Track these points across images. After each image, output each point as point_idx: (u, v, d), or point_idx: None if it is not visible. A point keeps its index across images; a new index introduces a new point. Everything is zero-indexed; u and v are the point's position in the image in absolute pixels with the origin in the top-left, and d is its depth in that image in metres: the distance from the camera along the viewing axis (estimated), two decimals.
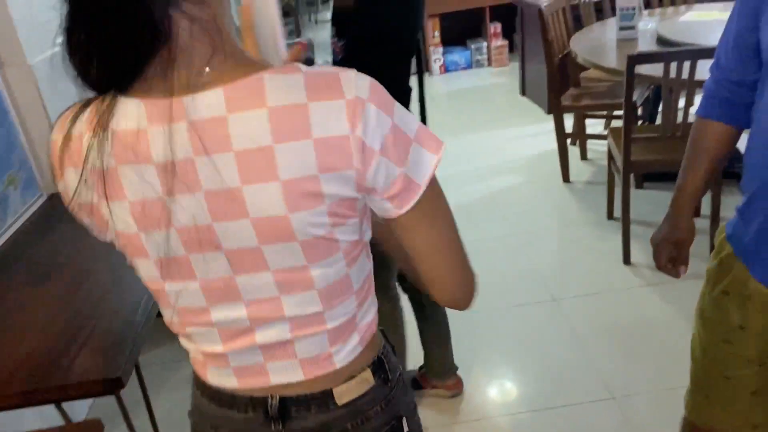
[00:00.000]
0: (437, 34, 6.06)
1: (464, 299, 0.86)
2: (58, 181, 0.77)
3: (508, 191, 3.68)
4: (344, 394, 0.87)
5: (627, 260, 2.86)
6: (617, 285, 2.74)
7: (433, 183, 0.76)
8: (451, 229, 0.83)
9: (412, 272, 0.85)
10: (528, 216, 3.39)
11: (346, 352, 0.86)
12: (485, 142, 4.41)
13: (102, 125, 0.69)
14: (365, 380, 0.88)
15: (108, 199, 0.73)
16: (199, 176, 0.69)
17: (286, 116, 0.66)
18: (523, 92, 5.15)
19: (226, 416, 0.89)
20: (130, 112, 0.69)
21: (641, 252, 2.88)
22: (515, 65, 5.49)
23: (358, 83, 0.68)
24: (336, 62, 1.86)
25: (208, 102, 0.67)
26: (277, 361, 0.84)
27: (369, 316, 0.89)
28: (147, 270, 0.79)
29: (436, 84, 6.01)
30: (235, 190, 0.68)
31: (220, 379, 0.87)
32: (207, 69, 0.68)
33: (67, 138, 0.73)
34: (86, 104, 0.72)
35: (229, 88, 0.67)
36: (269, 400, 0.86)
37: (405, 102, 1.90)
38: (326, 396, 0.86)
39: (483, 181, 3.84)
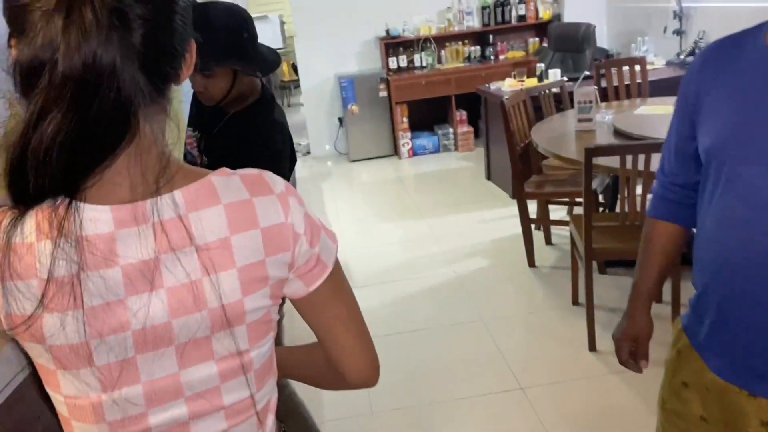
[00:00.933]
0: (405, 119, 6.25)
1: (373, 376, 0.92)
2: None
3: (474, 275, 3.71)
4: None
5: (592, 347, 2.88)
6: (583, 372, 2.74)
7: (337, 264, 0.87)
8: (355, 306, 0.91)
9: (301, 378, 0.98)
10: (494, 300, 3.41)
11: None
12: (452, 224, 4.48)
13: (66, 233, 0.68)
14: None
15: (62, 310, 0.70)
16: (162, 274, 0.72)
17: (238, 211, 0.75)
18: (489, 177, 5.28)
19: None
20: (98, 218, 0.70)
21: (606, 338, 2.90)
22: (481, 150, 5.66)
23: (276, 181, 0.80)
24: (189, 161, 1.74)
25: (168, 203, 0.72)
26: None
27: (275, 395, 0.91)
28: (81, 383, 0.74)
29: (405, 166, 6.15)
30: (197, 282, 0.73)
31: None
32: (165, 174, 0.73)
33: (6, 248, 0.68)
34: (19, 213, 0.69)
35: (185, 190, 0.74)
36: None
37: None
38: None
39: (450, 264, 3.87)
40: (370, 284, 3.74)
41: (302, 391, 2.73)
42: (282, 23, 11.36)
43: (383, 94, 6.19)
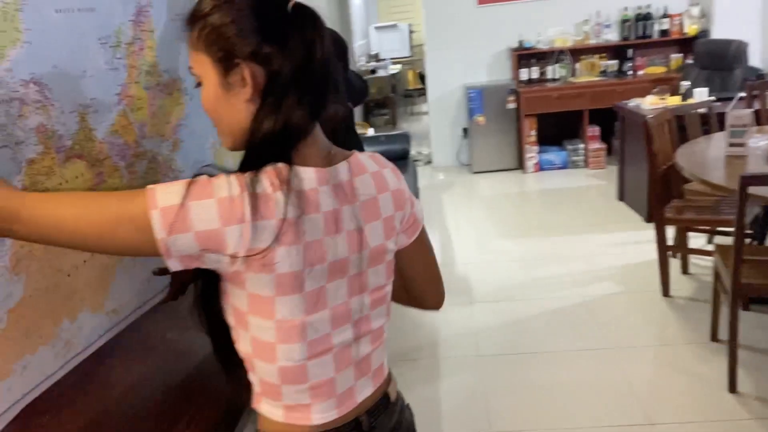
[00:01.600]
0: (534, 133, 6.11)
1: (442, 302, 1.21)
2: (236, 225, 0.85)
3: (602, 300, 3.55)
4: (392, 392, 1.12)
5: (733, 388, 2.66)
6: (722, 415, 2.54)
7: (423, 223, 1.12)
8: (434, 253, 1.18)
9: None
10: (623, 328, 3.25)
11: (386, 358, 1.11)
12: (578, 245, 4.32)
13: (291, 187, 0.88)
14: (394, 380, 1.15)
15: (289, 244, 0.88)
16: (343, 221, 0.95)
17: (377, 177, 1.01)
18: (621, 197, 5.05)
19: None
20: (307, 176, 0.91)
21: (749, 380, 2.68)
22: (612, 169, 5.43)
23: (384, 158, 1.06)
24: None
25: (342, 170, 0.97)
26: (361, 378, 1.04)
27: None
28: (293, 307, 0.92)
29: (529, 181, 6.02)
30: (361, 228, 0.97)
31: (323, 414, 1.00)
32: (331, 150, 0.98)
33: (254, 197, 0.85)
34: (255, 174, 0.87)
35: (348, 161, 0.98)
36: (360, 420, 1.03)
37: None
38: (386, 400, 1.09)
39: (576, 286, 3.73)
40: (487, 300, 3.67)
41: (419, 406, 2.73)
42: (410, 32, 11.50)
43: (511, 105, 6.10)
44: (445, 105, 6.62)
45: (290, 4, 0.92)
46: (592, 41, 6.18)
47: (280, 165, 0.88)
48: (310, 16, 0.92)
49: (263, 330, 0.93)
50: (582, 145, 6.10)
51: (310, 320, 0.93)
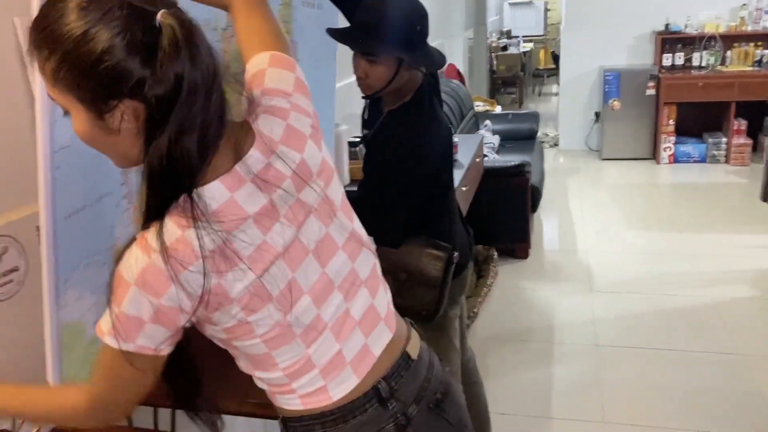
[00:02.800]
0: (672, 122, 5.79)
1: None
2: (168, 293, 0.80)
3: (733, 303, 3.35)
4: (413, 349, 1.05)
5: None
6: None
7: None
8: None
9: None
10: (756, 336, 3.05)
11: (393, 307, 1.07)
12: (712, 244, 4.07)
13: (197, 217, 0.79)
14: (416, 337, 1.08)
15: (228, 269, 0.81)
16: (277, 205, 0.89)
17: (289, 131, 0.93)
18: (765, 198, 4.69)
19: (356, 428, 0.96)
20: (216, 194, 0.82)
21: None
22: (756, 166, 5.06)
23: None
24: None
25: (253, 157, 0.89)
26: (372, 331, 0.99)
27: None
28: (268, 317, 0.87)
29: (662, 173, 5.73)
30: (297, 199, 0.91)
31: (341, 387, 0.95)
32: (238, 137, 0.89)
33: (166, 251, 0.78)
34: (159, 226, 0.79)
35: (255, 144, 0.89)
36: (380, 386, 0.97)
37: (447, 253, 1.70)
38: (406, 359, 1.02)
39: (705, 286, 3.53)
40: (607, 291, 3.56)
41: (526, 387, 2.69)
42: (546, 10, 11.14)
43: (651, 92, 5.79)
44: (578, 87, 6.38)
45: (158, 17, 0.76)
46: (749, 28, 5.72)
47: (181, 199, 0.79)
48: (182, 28, 0.77)
49: (252, 347, 0.90)
50: (724, 139, 5.70)
51: (292, 318, 0.89)
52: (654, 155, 5.98)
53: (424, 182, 1.67)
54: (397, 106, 1.68)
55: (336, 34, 1.66)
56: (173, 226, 0.79)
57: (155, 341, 0.83)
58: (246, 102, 0.93)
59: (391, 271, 1.58)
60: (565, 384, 2.77)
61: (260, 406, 1.34)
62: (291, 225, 0.88)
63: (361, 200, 1.51)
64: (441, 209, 1.77)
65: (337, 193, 0.98)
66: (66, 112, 0.81)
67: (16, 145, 1.19)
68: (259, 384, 0.97)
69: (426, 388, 1.03)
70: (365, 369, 0.97)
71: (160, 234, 0.78)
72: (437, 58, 1.69)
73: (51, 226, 1.00)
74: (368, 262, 1.01)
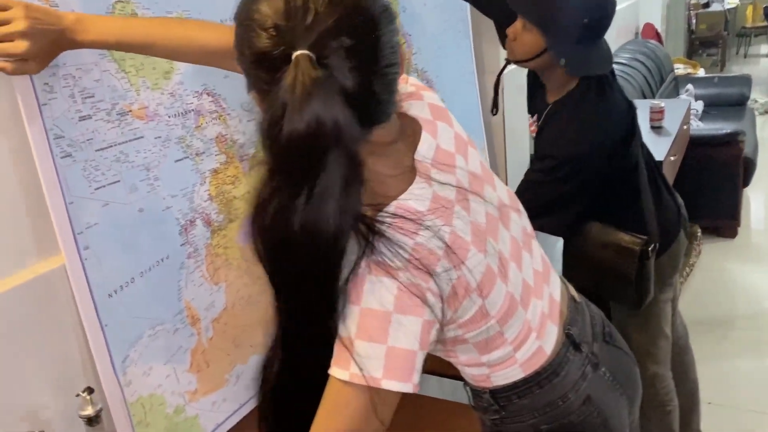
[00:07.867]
0: None
1: None
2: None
3: None
4: (574, 292, 1.07)
5: None
6: None
7: None
8: None
9: None
10: None
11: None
12: None
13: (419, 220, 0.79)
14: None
15: (464, 257, 0.81)
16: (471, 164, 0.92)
17: (438, 111, 0.93)
18: None
19: (566, 382, 0.96)
20: (420, 193, 0.81)
21: None
22: None
23: None
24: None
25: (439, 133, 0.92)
26: (549, 279, 1.00)
27: None
28: (498, 293, 0.86)
29: None
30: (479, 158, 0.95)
31: (550, 340, 0.96)
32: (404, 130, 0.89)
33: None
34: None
35: (417, 131, 0.89)
36: (572, 331, 0.98)
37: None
38: (573, 303, 1.04)
39: None
40: None
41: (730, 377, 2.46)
42: None
43: None
44: None
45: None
46: None
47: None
48: None
49: (485, 331, 0.87)
50: None
51: (511, 287, 0.89)
52: None
53: (601, 173, 1.52)
54: (561, 96, 1.54)
55: None
56: (402, 237, 0.75)
57: (420, 374, 0.77)
58: None
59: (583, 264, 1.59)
60: None
61: None
62: (476, 197, 0.87)
63: (528, 196, 1.38)
64: (626, 193, 1.61)
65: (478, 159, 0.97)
66: None
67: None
68: (474, 372, 0.95)
69: (595, 324, 1.05)
70: (556, 318, 0.99)
71: (394, 250, 0.74)
72: (592, 62, 1.50)
73: (91, 307, 0.97)
74: (524, 214, 1.01)
